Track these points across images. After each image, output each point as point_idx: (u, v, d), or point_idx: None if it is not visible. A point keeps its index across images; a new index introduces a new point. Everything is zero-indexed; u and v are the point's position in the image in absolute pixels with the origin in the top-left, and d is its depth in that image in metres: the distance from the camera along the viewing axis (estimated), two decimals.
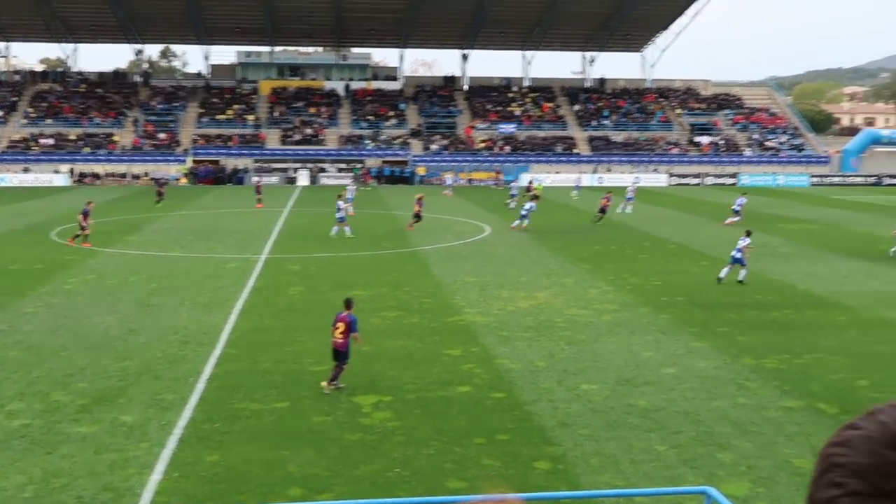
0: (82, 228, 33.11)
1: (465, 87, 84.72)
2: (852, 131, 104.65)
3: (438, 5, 74.91)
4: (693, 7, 77.35)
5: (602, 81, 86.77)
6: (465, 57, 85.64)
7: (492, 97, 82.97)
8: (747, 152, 75.84)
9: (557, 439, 13.14)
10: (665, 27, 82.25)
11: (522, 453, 12.61)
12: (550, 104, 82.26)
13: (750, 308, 22.65)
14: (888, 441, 1.05)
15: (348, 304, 15.68)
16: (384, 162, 71.90)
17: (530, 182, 58.38)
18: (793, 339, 19.36)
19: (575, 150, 75.24)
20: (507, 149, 74.59)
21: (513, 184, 53.80)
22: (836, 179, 72.08)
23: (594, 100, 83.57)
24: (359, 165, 71.19)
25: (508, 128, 77.00)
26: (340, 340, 15.27)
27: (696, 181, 70.42)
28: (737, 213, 42.08)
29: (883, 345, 18.93)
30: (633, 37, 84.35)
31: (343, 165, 71.45)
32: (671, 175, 70.46)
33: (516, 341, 18.98)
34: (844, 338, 19.58)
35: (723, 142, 76.97)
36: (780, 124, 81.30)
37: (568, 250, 32.68)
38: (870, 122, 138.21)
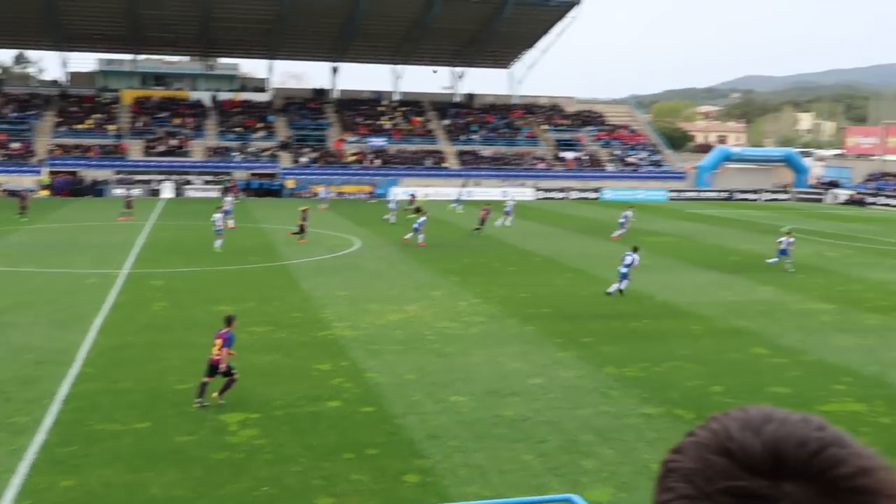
0: None
1: (336, 100, 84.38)
2: (706, 148, 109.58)
3: (308, 17, 74.41)
4: (558, 26, 79.54)
5: (471, 97, 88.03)
6: (335, 70, 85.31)
7: (362, 110, 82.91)
8: (609, 167, 78.39)
9: (426, 452, 13.20)
10: (531, 45, 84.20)
11: (392, 467, 12.62)
12: (420, 118, 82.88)
13: (612, 318, 23.39)
14: (715, 447, 1.11)
15: (229, 321, 15.60)
16: (252, 174, 70.71)
17: (412, 196, 58.24)
18: (652, 348, 20.10)
19: (444, 164, 76.01)
20: (378, 162, 74.66)
21: (392, 197, 52.67)
22: (692, 194, 75.32)
23: (463, 115, 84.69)
24: (226, 177, 69.75)
25: (379, 141, 77.10)
26: (216, 356, 15.15)
27: (561, 195, 72.26)
28: (622, 225, 43.46)
29: (735, 352, 19.89)
30: (501, 53, 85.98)
31: (210, 178, 69.87)
32: (538, 189, 72.06)
33: (386, 355, 18.99)
34: (700, 346, 20.47)
35: (587, 157, 79.31)
36: (640, 141, 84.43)
37: (437, 263, 32.95)
38: (722, 140, 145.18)
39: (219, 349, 15.21)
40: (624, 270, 26.72)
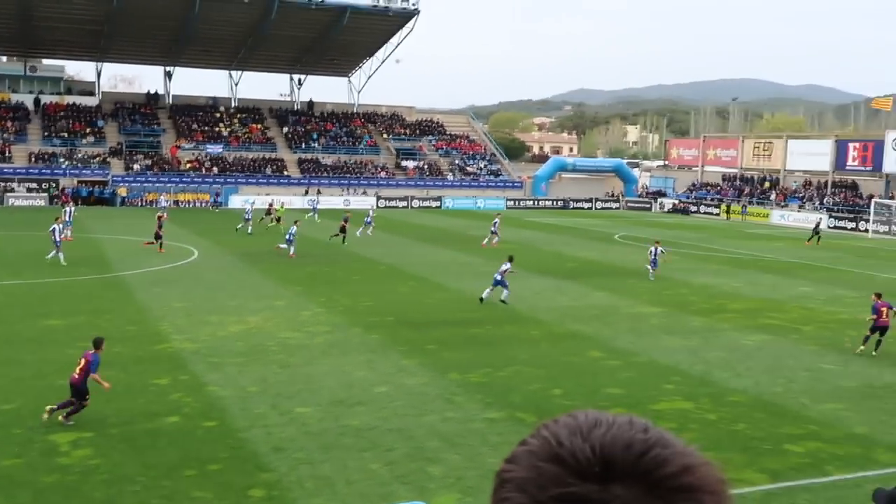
0: None
1: (170, 105, 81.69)
2: (542, 158, 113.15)
3: (139, 19, 71.67)
4: (397, 36, 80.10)
5: (311, 105, 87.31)
6: (168, 74, 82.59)
7: (198, 116, 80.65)
8: (450, 177, 79.56)
9: (272, 465, 12.98)
10: (371, 54, 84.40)
11: (236, 482, 12.32)
12: (259, 125, 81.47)
13: (455, 325, 23.73)
14: (546, 455, 1.13)
15: (97, 343, 15.01)
16: (80, 182, 67.41)
17: (270, 204, 56.76)
18: (494, 353, 20.52)
19: (285, 173, 75.00)
20: (215, 170, 72.83)
21: (248, 206, 50.28)
22: (529, 203, 77.44)
23: (303, 122, 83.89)
24: (53, 185, 66.22)
25: (216, 148, 75.24)
26: (76, 377, 14.58)
27: (403, 204, 72.71)
28: (494, 233, 44.24)
29: (572, 356, 20.60)
30: (340, 62, 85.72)
31: (33, 185, 66.14)
32: (379, 198, 72.25)
33: (227, 367, 18.54)
34: (539, 350, 21.08)
35: (427, 166, 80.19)
36: (478, 151, 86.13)
37: (280, 273, 32.45)
38: (557, 151, 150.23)
39: (80, 369, 14.61)
40: (498, 277, 27.18)
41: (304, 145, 79.89)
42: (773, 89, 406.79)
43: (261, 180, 72.48)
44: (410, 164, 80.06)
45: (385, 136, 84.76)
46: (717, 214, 72.28)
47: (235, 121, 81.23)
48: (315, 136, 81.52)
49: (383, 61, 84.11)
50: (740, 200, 72.99)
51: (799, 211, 67.45)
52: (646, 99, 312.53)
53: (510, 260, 28.15)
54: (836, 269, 38.38)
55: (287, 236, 37.78)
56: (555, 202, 78.07)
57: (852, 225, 61.85)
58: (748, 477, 13.04)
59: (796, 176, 74.47)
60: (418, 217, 62.59)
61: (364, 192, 73.22)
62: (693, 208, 75.71)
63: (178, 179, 69.99)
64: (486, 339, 22.09)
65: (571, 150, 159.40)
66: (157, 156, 73.51)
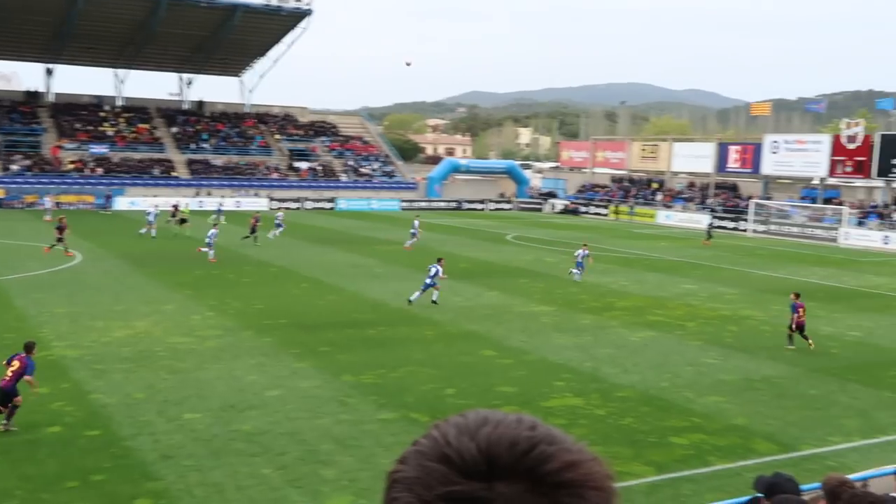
0: None
1: (51, 104, 78.63)
2: (436, 160, 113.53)
3: (16, 12, 68.74)
4: (289, 36, 79.17)
5: (200, 104, 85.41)
6: (49, 71, 79.49)
7: (81, 116, 77.84)
8: (343, 178, 79.11)
9: (159, 473, 12.65)
10: (262, 53, 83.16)
11: (121, 492, 11.97)
12: (146, 125, 79.24)
13: (348, 327, 23.61)
14: (433, 455, 1.15)
15: (28, 347, 14.85)
16: None
17: (175, 206, 54.99)
18: (388, 354, 20.52)
19: (174, 174, 73.16)
20: (100, 171, 70.46)
21: (152, 209, 48.06)
22: (423, 204, 77.60)
23: (193, 122, 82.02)
24: None
25: (100, 148, 72.80)
26: (5, 381, 14.24)
27: (296, 205, 71.90)
28: (414, 235, 44.16)
29: (466, 355, 20.77)
30: (231, 61, 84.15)
31: None
32: (272, 199, 71.23)
33: (113, 374, 17.97)
34: (433, 350, 21.17)
35: (320, 167, 79.51)
36: (372, 152, 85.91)
37: (168, 276, 31.65)
38: (450, 152, 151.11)
39: (12, 371, 14.29)
40: (428, 281, 27.15)
41: (193, 146, 78.13)
42: (659, 93, 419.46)
43: (148, 182, 70.50)
44: (303, 165, 79.25)
45: (277, 136, 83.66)
46: (606, 215, 74.06)
47: (121, 120, 78.80)
48: (205, 137, 79.82)
49: (276, 61, 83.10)
50: (628, 201, 74.95)
51: (683, 211, 69.71)
52: (537, 102, 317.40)
53: (439, 261, 27.99)
54: (717, 268, 39.82)
55: (207, 239, 36.93)
56: (448, 203, 78.54)
57: (733, 225, 64.29)
58: (635, 470, 13.40)
59: (681, 177, 76.94)
60: (311, 218, 61.98)
61: (256, 194, 72.11)
62: (583, 209, 77.36)
63: (59, 180, 67.43)
64: (379, 341, 22.06)
65: (465, 151, 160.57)
66: (38, 156, 70.65)
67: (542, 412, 16.24)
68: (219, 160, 76.69)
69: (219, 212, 56.88)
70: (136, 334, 21.79)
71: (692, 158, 74.81)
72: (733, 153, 70.91)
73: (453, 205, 78.36)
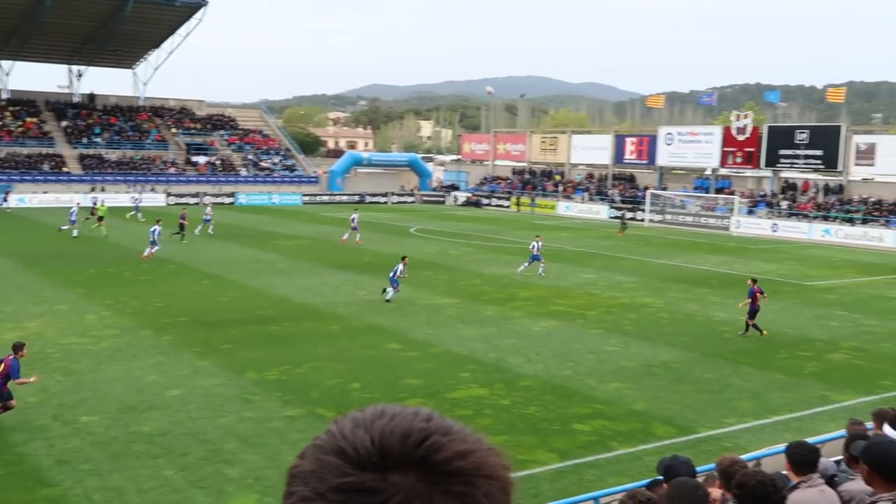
0: None
1: None
2: (337, 153, 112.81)
3: None
4: (184, 27, 77.33)
5: (92, 97, 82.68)
6: None
7: None
8: (243, 172, 77.81)
9: (55, 479, 12.24)
10: (157, 45, 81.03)
11: (14, 500, 11.53)
12: (34, 119, 76.28)
13: (251, 323, 23.27)
14: (329, 448, 1.17)
15: (16, 348, 14.61)
16: None
17: (95, 202, 52.81)
18: (292, 350, 20.31)
19: (65, 169, 70.61)
20: None
21: (73, 207, 45.73)
22: (325, 198, 76.99)
23: (84, 116, 79.36)
24: None
25: None
26: None
27: (194, 200, 70.41)
28: (355, 229, 43.91)
29: (371, 349, 20.72)
30: (124, 53, 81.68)
31: None
32: (169, 194, 69.53)
33: None
34: (338, 345, 21.06)
35: (219, 162, 78.03)
36: (272, 146, 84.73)
37: (60, 275, 30.57)
38: (352, 145, 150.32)
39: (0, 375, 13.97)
40: (393, 277, 27.14)
41: (85, 140, 75.62)
42: (558, 86, 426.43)
43: (38, 178, 67.88)
44: (201, 159, 77.62)
45: (174, 130, 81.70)
46: (508, 207, 74.88)
47: (7, 114, 75.64)
48: (98, 131, 77.37)
49: (170, 53, 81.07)
50: (529, 193, 75.93)
51: (583, 202, 71.03)
52: (438, 95, 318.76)
53: (403, 260, 27.86)
54: (615, 257, 40.73)
55: (151, 237, 35.67)
56: (351, 196, 78.12)
57: (630, 215, 65.85)
58: (540, 457, 13.62)
59: (580, 169, 78.36)
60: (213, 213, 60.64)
61: (153, 189, 70.29)
62: (485, 201, 78.02)
63: None
64: (283, 337, 21.81)
65: (367, 144, 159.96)
66: None
67: (448, 403, 16.35)
68: (113, 155, 74.45)
69: (136, 208, 55.50)
70: (28, 335, 20.92)
71: (590, 150, 76.32)
72: (630, 145, 72.59)
73: (356, 198, 77.99)
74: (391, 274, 27.46)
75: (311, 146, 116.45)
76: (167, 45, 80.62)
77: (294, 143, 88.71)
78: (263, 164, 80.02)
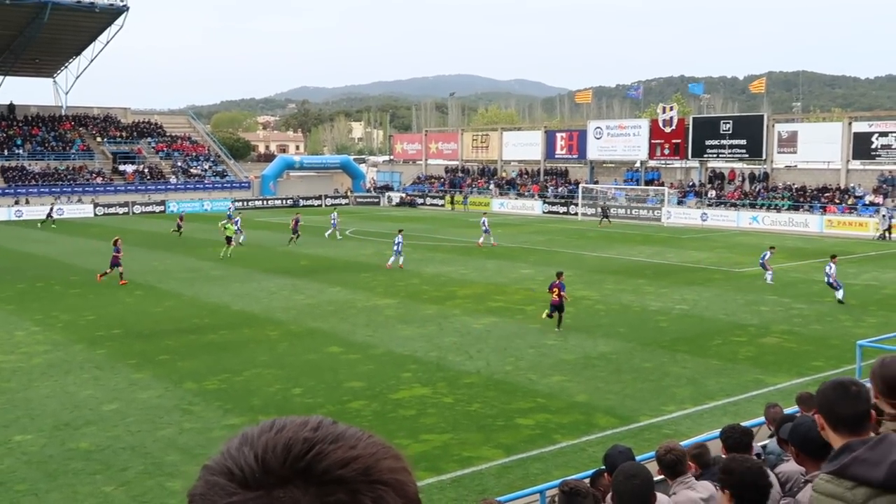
0: None
1: None
2: (269, 158, 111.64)
3: None
4: (105, 34, 75.69)
5: (12, 108, 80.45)
6: None
7: None
8: (173, 179, 76.56)
9: None
10: (77, 53, 79.19)
11: None
12: None
13: (188, 333, 22.91)
14: (217, 468, 1.14)
15: None
16: None
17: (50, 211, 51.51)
18: (231, 358, 20.05)
19: None
20: None
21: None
22: (258, 203, 76.22)
23: (4, 127, 77.19)
24: None
25: None
26: None
27: (123, 210, 69.03)
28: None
29: (311, 353, 20.58)
30: (43, 61, 79.60)
31: None
32: (97, 205, 68.08)
33: None
34: (278, 351, 20.86)
35: (147, 170, 76.65)
36: (202, 152, 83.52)
37: None
38: (283, 149, 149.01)
39: None
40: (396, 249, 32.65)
41: (6, 152, 73.58)
42: (487, 84, 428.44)
43: None
44: (129, 168, 76.14)
45: (99, 139, 79.98)
46: (442, 205, 75.01)
47: None
48: (19, 142, 75.34)
49: (92, 61, 79.32)
50: (462, 191, 76.17)
51: (517, 199, 71.51)
52: (368, 95, 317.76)
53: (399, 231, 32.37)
54: (551, 252, 41.10)
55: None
56: (284, 201, 77.42)
57: (564, 209, 66.53)
58: (485, 454, 13.69)
59: (512, 165, 78.88)
60: (141, 223, 59.65)
61: (80, 200, 68.72)
62: (420, 200, 78.03)
63: None
64: (222, 345, 21.52)
65: (298, 147, 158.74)
66: None
67: (391, 404, 16.33)
68: (36, 166, 72.60)
69: (52, 218, 54.29)
70: None
71: (522, 147, 76.87)
72: (560, 140, 73.30)
73: (289, 202, 77.33)
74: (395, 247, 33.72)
75: (241, 151, 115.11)
76: (88, 52, 78.91)
77: (224, 149, 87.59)
78: (193, 171, 78.85)
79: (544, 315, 23.66)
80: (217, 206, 72.50)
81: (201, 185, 76.72)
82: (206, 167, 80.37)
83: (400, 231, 36.15)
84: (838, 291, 26.91)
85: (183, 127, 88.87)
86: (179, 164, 79.42)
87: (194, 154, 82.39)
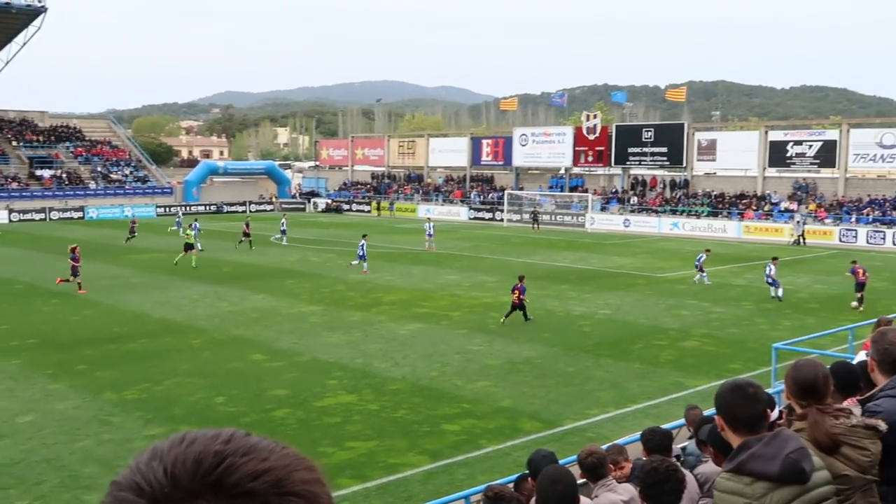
0: None
1: None
2: (192, 163, 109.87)
3: None
4: (22, 35, 73.56)
5: None
6: None
7: None
8: (92, 185, 74.72)
9: None
10: None
11: None
12: None
13: (107, 342, 22.38)
14: (126, 484, 1.14)
15: None
16: None
17: None
18: (152, 367, 19.65)
19: None
20: None
21: None
22: (181, 209, 74.89)
23: None
24: None
25: None
26: None
27: (40, 216, 67.10)
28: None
29: (234, 361, 20.29)
30: None
31: None
32: (12, 211, 66.02)
33: None
34: (200, 359, 20.52)
35: (66, 175, 74.66)
36: (122, 157, 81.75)
37: None
38: (207, 154, 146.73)
39: None
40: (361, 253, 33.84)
41: None
42: (413, 91, 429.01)
43: None
44: (46, 173, 74.03)
45: (14, 143, 77.58)
46: (369, 211, 74.80)
47: None
48: None
49: (7, 63, 76.95)
50: (389, 197, 76.08)
51: (443, 205, 71.71)
52: (294, 101, 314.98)
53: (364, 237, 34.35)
54: (477, 258, 41.34)
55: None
56: (208, 207, 76.23)
57: (490, 215, 66.97)
58: (411, 460, 13.69)
59: (439, 171, 79.09)
60: (59, 229, 58.02)
61: None
62: (346, 206, 77.68)
63: None
64: (142, 354, 21.08)
65: (222, 153, 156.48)
66: None
67: (316, 412, 16.21)
68: None
69: None
70: None
71: (448, 153, 77.18)
72: (486, 147, 73.81)
73: (213, 208, 76.17)
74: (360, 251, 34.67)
75: (163, 156, 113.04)
76: (4, 54, 76.55)
77: (145, 154, 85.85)
78: (113, 176, 77.11)
79: (503, 320, 24.76)
80: (138, 213, 71.02)
81: (122, 191, 75.07)
82: (127, 172, 78.70)
83: (364, 236, 36.41)
84: (779, 290, 28.81)
85: (103, 131, 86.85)
86: (99, 169, 77.58)
87: (115, 159, 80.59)
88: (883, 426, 3.80)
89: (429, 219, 42.73)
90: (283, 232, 48.23)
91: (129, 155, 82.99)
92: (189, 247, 38.12)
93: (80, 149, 80.00)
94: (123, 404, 16.74)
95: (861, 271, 27.69)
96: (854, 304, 27.41)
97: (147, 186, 77.82)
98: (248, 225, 46.29)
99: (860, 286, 27.59)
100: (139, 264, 38.63)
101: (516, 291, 24.88)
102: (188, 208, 75.06)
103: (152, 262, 39.76)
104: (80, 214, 69.11)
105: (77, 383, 18.28)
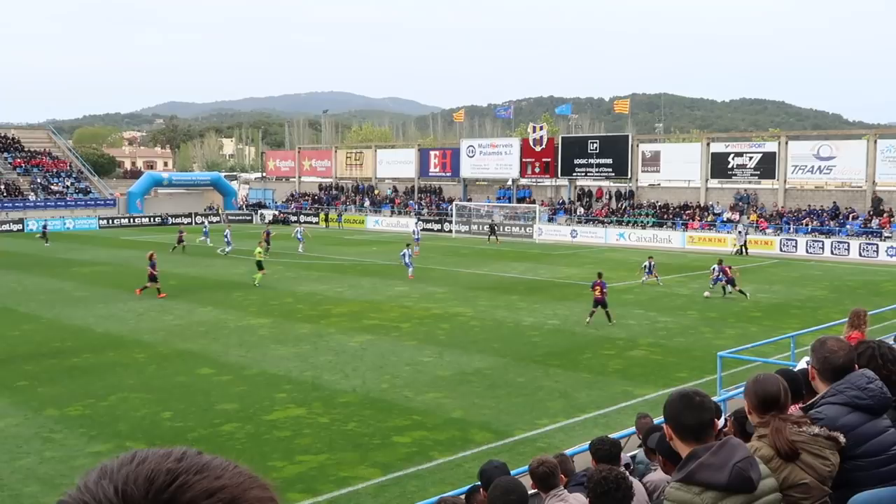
0: None
1: None
2: (135, 174, 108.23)
3: None
4: None
5: None
6: None
7: None
8: (32, 197, 73.19)
9: None
10: None
11: None
12: None
13: (48, 357, 21.91)
14: (73, 503, 1.13)
15: None
16: None
17: None
18: (96, 382, 19.28)
19: None
20: None
21: None
22: (124, 221, 73.64)
23: None
24: None
25: None
26: None
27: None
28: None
29: (181, 375, 19.99)
30: None
31: None
32: None
33: None
34: (146, 374, 20.18)
35: (4, 186, 73.01)
36: (63, 168, 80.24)
37: None
38: (151, 165, 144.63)
39: None
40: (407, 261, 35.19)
41: None
42: (360, 102, 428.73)
43: None
44: None
45: None
46: (317, 223, 74.38)
47: None
48: None
49: None
50: (337, 208, 75.75)
51: (391, 216, 71.62)
52: (239, 111, 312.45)
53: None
54: (426, 269, 41.31)
55: None
56: (152, 218, 75.14)
57: (438, 227, 67.05)
58: (361, 473, 13.61)
59: (387, 183, 79.01)
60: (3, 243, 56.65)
61: None
62: (293, 218, 77.16)
63: None
64: (85, 369, 20.66)
65: (166, 164, 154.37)
66: None
67: (266, 426, 16.04)
68: None
69: None
70: None
71: (396, 164, 77.14)
72: (434, 158, 73.93)
73: (157, 220, 75.08)
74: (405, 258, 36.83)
75: (106, 167, 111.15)
76: None
77: (87, 165, 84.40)
78: (54, 188, 75.63)
79: (587, 320, 26.03)
80: (80, 225, 69.72)
81: (63, 203, 73.65)
82: (69, 184, 77.24)
83: (408, 245, 40.11)
84: (727, 286, 31.80)
85: (43, 142, 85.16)
86: (39, 180, 76.03)
87: (55, 170, 79.05)
88: (842, 439, 3.87)
89: (408, 244, 39.80)
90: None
91: (70, 166, 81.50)
92: (260, 265, 35.94)
93: (19, 160, 78.34)
94: (66, 421, 16.39)
95: (728, 269, 31.97)
96: (707, 293, 32.04)
97: (89, 198, 76.43)
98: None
99: (730, 281, 31.69)
100: (82, 277, 37.90)
101: (597, 287, 25.86)
102: (132, 220, 73.88)
103: (96, 275, 39.05)
104: (19, 227, 67.62)
105: (17, 399, 17.85)
